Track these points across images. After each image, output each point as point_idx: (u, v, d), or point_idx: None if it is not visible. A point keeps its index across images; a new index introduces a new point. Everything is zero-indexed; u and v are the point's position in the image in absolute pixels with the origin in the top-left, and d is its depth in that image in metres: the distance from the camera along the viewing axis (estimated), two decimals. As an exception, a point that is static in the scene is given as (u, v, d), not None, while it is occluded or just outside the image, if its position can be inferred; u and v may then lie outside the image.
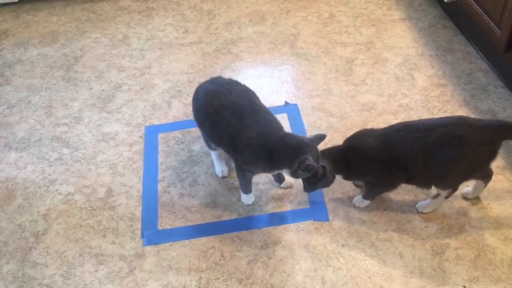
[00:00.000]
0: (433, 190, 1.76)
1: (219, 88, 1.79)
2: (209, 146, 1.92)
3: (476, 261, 1.66)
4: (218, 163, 1.96)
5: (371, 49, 2.53)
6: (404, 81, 2.34)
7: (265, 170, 1.74)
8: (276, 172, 1.78)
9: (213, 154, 1.96)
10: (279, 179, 1.90)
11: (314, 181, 1.69)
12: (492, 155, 1.63)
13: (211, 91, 1.79)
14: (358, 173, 1.77)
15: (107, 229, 1.83)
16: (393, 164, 1.67)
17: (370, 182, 1.78)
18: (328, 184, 1.74)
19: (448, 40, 2.55)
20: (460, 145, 1.57)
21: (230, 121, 1.69)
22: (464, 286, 1.60)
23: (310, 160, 1.57)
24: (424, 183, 1.73)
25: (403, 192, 1.87)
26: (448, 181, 1.69)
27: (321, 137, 1.67)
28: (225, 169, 1.97)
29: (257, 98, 1.80)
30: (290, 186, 1.92)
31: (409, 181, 1.74)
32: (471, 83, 2.30)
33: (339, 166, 1.72)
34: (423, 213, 1.80)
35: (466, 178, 1.73)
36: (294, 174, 1.66)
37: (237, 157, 1.73)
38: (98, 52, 2.64)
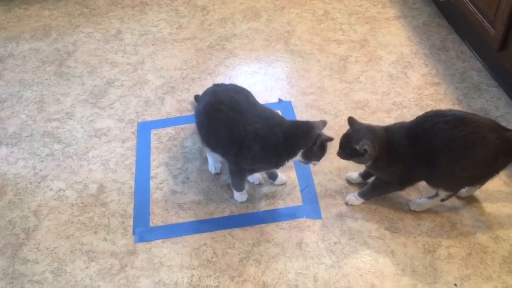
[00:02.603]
0: (432, 190, 1.75)
1: (218, 88, 1.83)
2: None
3: (467, 259, 1.67)
4: (212, 160, 1.95)
5: (365, 46, 2.53)
6: (397, 79, 2.34)
7: (277, 162, 1.70)
8: (283, 164, 1.73)
9: (208, 151, 1.95)
10: (272, 176, 1.90)
11: (350, 155, 1.66)
12: (506, 165, 1.63)
13: (210, 91, 1.84)
14: (385, 166, 1.69)
15: (99, 225, 1.82)
16: (417, 160, 1.62)
17: (381, 181, 1.77)
18: (361, 162, 1.68)
19: (442, 39, 2.55)
20: (488, 149, 1.54)
21: (229, 115, 1.69)
22: (455, 284, 1.60)
23: (324, 135, 1.62)
24: (440, 182, 1.67)
25: (396, 190, 1.87)
26: (457, 181, 1.67)
27: (324, 123, 1.70)
28: (218, 165, 1.96)
29: (253, 98, 1.82)
30: (284, 183, 1.91)
31: (425, 178, 1.69)
32: (465, 81, 2.30)
33: (377, 151, 1.64)
34: (416, 211, 1.80)
35: (473, 183, 1.73)
36: (308, 155, 1.66)
37: (241, 156, 1.70)
38: (91, 47, 2.62)
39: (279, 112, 2.19)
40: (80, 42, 2.66)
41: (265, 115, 1.71)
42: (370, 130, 1.66)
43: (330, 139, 1.63)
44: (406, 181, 1.72)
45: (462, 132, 1.54)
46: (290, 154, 1.68)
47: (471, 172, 1.61)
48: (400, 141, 1.64)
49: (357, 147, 1.60)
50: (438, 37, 2.56)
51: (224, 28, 2.70)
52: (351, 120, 1.70)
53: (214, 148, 1.81)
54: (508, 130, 1.60)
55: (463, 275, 1.62)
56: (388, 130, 1.68)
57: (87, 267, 1.70)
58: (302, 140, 1.64)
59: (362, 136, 1.62)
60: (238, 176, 1.79)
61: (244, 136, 1.67)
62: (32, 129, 2.20)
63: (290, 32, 2.66)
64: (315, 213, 1.82)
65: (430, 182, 1.70)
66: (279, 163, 1.71)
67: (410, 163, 1.64)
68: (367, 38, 2.58)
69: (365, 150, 1.60)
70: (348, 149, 1.66)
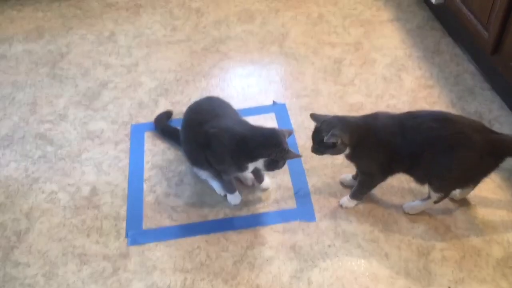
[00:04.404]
0: (425, 191, 1.75)
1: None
2: (198, 172, 1.92)
3: (461, 262, 1.67)
4: (214, 182, 1.91)
5: (360, 49, 2.53)
6: (392, 82, 2.35)
7: (238, 162, 1.68)
8: (246, 167, 1.70)
9: (204, 175, 1.91)
10: (259, 178, 1.87)
11: (324, 147, 1.64)
12: (494, 168, 1.63)
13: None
14: (365, 154, 1.68)
15: (91, 228, 1.80)
16: (402, 150, 1.61)
17: (365, 174, 1.76)
18: (337, 153, 1.66)
19: (436, 42, 2.56)
20: (473, 149, 1.55)
21: (192, 117, 1.80)
22: (449, 287, 1.60)
23: (292, 152, 1.63)
24: (423, 178, 1.68)
25: (390, 193, 1.87)
26: (445, 182, 1.67)
27: (290, 132, 1.70)
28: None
29: (228, 106, 1.86)
30: (267, 189, 1.89)
31: (409, 171, 1.70)
32: (458, 84, 2.31)
33: (352, 140, 1.62)
34: (410, 214, 1.80)
35: (462, 185, 1.74)
36: (270, 166, 1.65)
37: (208, 157, 1.72)
38: (84, 49, 2.61)
39: (273, 115, 2.20)
40: (73, 44, 2.64)
41: (223, 114, 1.75)
42: (341, 120, 1.64)
43: (297, 156, 1.65)
44: (388, 169, 1.71)
45: (447, 131, 1.56)
46: (250, 158, 1.66)
47: (456, 172, 1.62)
48: (385, 129, 1.63)
49: (324, 140, 1.59)
50: (432, 40, 2.57)
51: (219, 30, 2.70)
52: (313, 116, 1.68)
53: (194, 160, 1.84)
54: (494, 132, 1.61)
55: (457, 278, 1.62)
56: (375, 118, 1.67)
57: (79, 270, 1.68)
58: (264, 150, 1.62)
59: (332, 127, 1.60)
60: (220, 178, 1.79)
61: (203, 135, 1.70)
62: (24, 131, 2.18)
63: (284, 34, 2.65)
64: (309, 216, 1.82)
65: (415, 177, 1.70)
66: (240, 166, 1.69)
67: (394, 151, 1.63)
68: (361, 41, 2.59)
69: (334, 144, 1.59)
70: (319, 143, 1.63)
